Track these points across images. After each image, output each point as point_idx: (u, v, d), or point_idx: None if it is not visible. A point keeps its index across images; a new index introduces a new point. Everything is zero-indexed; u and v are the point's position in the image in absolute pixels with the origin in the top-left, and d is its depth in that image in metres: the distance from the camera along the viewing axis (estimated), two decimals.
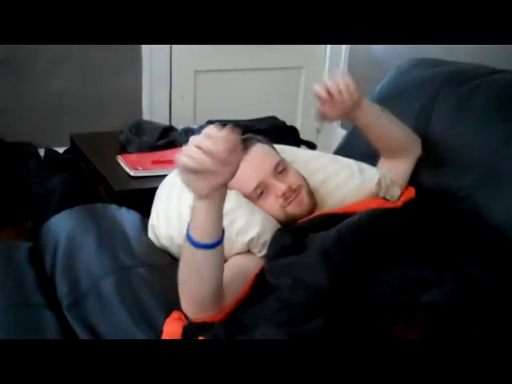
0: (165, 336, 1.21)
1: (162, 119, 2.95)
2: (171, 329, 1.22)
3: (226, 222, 1.36)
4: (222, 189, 1.12)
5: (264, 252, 1.38)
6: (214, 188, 1.10)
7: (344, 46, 3.44)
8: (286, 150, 1.62)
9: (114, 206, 1.71)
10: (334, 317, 1.12)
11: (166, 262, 1.46)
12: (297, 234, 1.33)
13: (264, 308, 1.20)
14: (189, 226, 1.17)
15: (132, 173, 2.13)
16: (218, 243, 1.17)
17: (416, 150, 1.66)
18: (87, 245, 1.50)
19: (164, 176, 1.64)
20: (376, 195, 1.55)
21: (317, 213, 1.46)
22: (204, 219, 1.14)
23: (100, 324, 1.30)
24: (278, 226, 1.43)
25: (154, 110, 3.20)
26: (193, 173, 1.06)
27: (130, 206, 1.72)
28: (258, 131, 1.92)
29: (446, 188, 1.62)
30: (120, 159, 2.23)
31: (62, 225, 1.62)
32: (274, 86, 3.43)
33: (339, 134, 1.71)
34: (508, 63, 1.87)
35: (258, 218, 1.41)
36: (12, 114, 2.90)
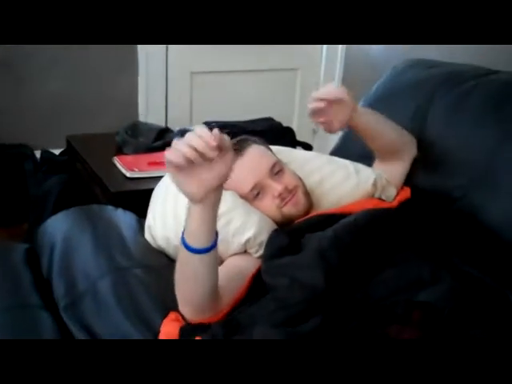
0: (162, 337, 1.21)
1: (158, 121, 2.96)
2: (168, 329, 1.22)
3: (222, 223, 1.37)
4: (216, 192, 1.12)
5: (260, 252, 1.38)
6: (207, 190, 1.10)
7: (340, 47, 3.45)
8: (282, 151, 1.62)
9: (110, 208, 1.71)
10: (330, 317, 1.13)
11: (162, 263, 1.46)
12: (293, 235, 1.33)
13: (261, 308, 1.20)
14: (183, 230, 1.17)
15: (128, 174, 2.13)
16: (212, 247, 1.17)
17: (411, 151, 1.66)
18: (84, 246, 1.50)
19: (160, 177, 1.64)
20: (372, 195, 1.56)
21: (313, 213, 1.46)
22: (198, 224, 1.14)
23: (97, 325, 1.30)
24: (275, 226, 1.44)
25: (150, 112, 3.20)
26: (180, 171, 1.07)
27: (126, 207, 1.72)
28: (254, 132, 1.93)
29: (442, 188, 1.62)
30: (116, 160, 2.23)
31: (58, 226, 1.61)
32: (270, 88, 3.43)
33: (335, 135, 1.71)
34: (504, 64, 1.88)
35: (255, 218, 1.41)
36: (8, 115, 2.89)
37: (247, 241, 1.40)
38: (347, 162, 1.63)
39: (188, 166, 1.06)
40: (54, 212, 1.71)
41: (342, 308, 1.15)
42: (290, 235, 1.33)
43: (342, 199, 1.54)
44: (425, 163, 1.67)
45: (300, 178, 1.50)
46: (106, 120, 2.95)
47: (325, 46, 3.48)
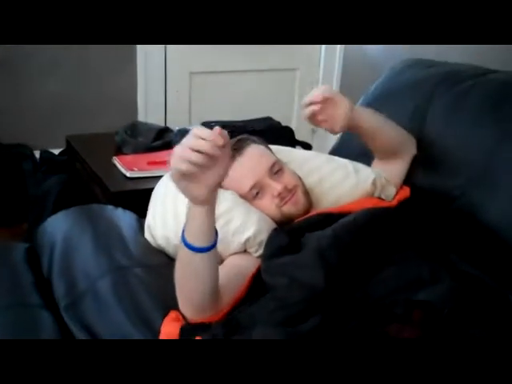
0: (162, 336, 1.21)
1: (157, 120, 2.96)
2: (169, 329, 1.22)
3: (222, 222, 1.37)
4: (216, 190, 1.13)
5: (260, 252, 1.38)
6: (210, 190, 1.10)
7: (338, 47, 3.46)
8: (281, 151, 1.62)
9: (110, 207, 1.71)
10: (329, 316, 1.13)
11: (162, 263, 1.46)
12: (293, 234, 1.34)
13: (260, 308, 1.20)
14: (184, 229, 1.17)
15: (128, 174, 2.14)
16: (213, 246, 1.18)
17: (411, 151, 1.67)
18: (84, 246, 1.50)
19: (160, 177, 1.64)
20: (371, 195, 1.56)
21: (313, 212, 1.46)
22: (200, 223, 1.14)
23: (97, 325, 1.30)
24: (274, 225, 1.44)
25: (149, 112, 3.20)
26: (187, 177, 1.07)
27: (126, 207, 1.72)
28: (253, 132, 1.93)
29: (441, 187, 1.63)
30: (116, 160, 2.23)
31: (58, 226, 1.62)
32: (269, 88, 3.43)
33: (343, 131, 1.70)
34: (502, 63, 1.88)
35: (254, 217, 1.42)
36: (7, 115, 2.89)
37: (247, 240, 1.40)
38: (346, 161, 1.64)
39: (197, 171, 1.06)
40: (54, 212, 1.71)
41: (341, 307, 1.15)
42: (290, 234, 1.34)
43: (342, 198, 1.54)
44: (424, 162, 1.67)
45: (299, 178, 1.50)
46: (105, 120, 2.95)
47: (323, 46, 3.48)
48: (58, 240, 1.54)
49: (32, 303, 1.38)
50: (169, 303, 1.27)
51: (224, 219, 1.39)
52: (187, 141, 1.05)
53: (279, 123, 2.71)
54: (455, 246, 1.33)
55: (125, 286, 1.37)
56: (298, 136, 2.74)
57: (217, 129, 1.05)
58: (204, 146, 1.04)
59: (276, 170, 1.45)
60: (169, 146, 2.36)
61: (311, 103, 1.42)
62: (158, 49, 3.14)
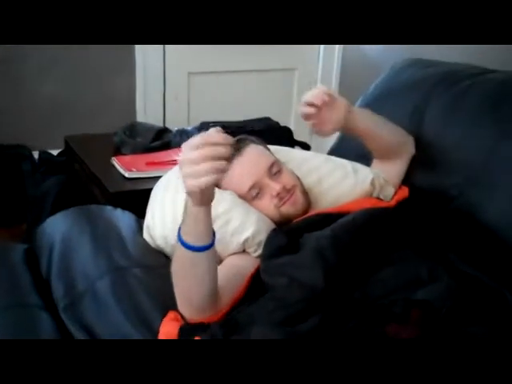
0: (161, 336, 1.21)
1: (155, 121, 2.96)
2: (167, 329, 1.22)
3: (221, 223, 1.38)
4: (214, 189, 1.13)
5: (259, 252, 1.38)
6: (213, 191, 1.10)
7: (337, 47, 3.46)
8: (280, 151, 1.62)
9: (109, 208, 1.71)
10: (329, 316, 1.13)
11: (161, 263, 1.46)
12: (292, 234, 1.34)
13: (259, 308, 1.20)
14: (180, 230, 1.17)
15: (126, 174, 2.13)
16: (211, 245, 1.18)
17: (409, 151, 1.67)
18: (83, 246, 1.50)
19: (158, 177, 1.64)
20: (370, 195, 1.56)
21: (311, 212, 1.46)
22: (201, 223, 1.14)
23: (96, 325, 1.30)
24: (273, 225, 1.44)
25: (147, 112, 3.20)
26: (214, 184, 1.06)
27: (124, 208, 1.72)
28: (251, 132, 1.93)
29: (439, 187, 1.63)
30: (114, 161, 2.23)
31: (57, 226, 1.61)
32: (268, 88, 3.44)
33: (333, 134, 1.71)
34: (500, 63, 1.88)
35: (253, 218, 1.42)
36: (6, 116, 2.89)
37: (246, 240, 1.40)
38: (345, 161, 1.64)
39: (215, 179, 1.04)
40: (53, 213, 1.71)
41: (340, 307, 1.15)
42: (289, 235, 1.34)
43: (340, 198, 1.54)
44: (422, 162, 1.67)
45: (298, 178, 1.51)
46: (104, 120, 2.95)
47: (322, 46, 3.48)
48: (56, 241, 1.54)
49: (31, 304, 1.38)
50: (168, 303, 1.27)
51: (223, 219, 1.39)
52: (207, 151, 1.02)
53: (278, 123, 2.71)
54: (454, 246, 1.33)
55: (124, 286, 1.36)
56: (297, 136, 2.73)
57: (219, 130, 1.05)
58: (226, 152, 1.03)
59: (275, 170, 1.45)
60: (168, 146, 2.36)
61: (310, 104, 1.42)
62: (156, 49, 3.14)
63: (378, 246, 1.26)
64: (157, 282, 1.37)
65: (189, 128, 2.47)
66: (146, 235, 1.55)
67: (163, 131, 2.51)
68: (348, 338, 1.07)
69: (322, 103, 1.41)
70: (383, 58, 3.06)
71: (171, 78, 3.23)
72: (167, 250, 1.50)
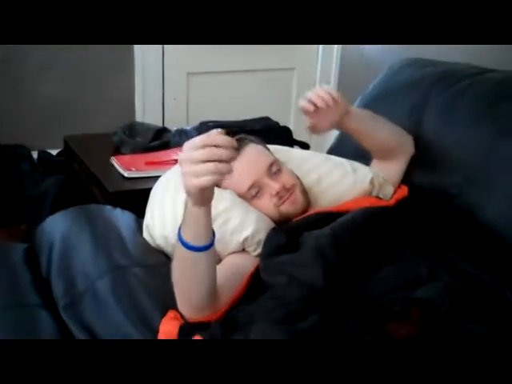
0: (161, 336, 1.21)
1: (154, 121, 2.96)
2: (167, 328, 1.23)
3: (220, 222, 1.38)
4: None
5: (259, 251, 1.39)
6: (213, 191, 1.10)
7: (336, 46, 3.46)
8: (279, 151, 1.62)
9: (108, 207, 1.71)
10: (328, 314, 1.13)
11: (161, 262, 1.46)
12: (291, 233, 1.34)
13: (259, 306, 1.20)
14: (180, 230, 1.17)
15: (126, 174, 2.14)
16: (211, 245, 1.18)
17: (408, 150, 1.67)
18: (82, 245, 1.50)
19: (158, 177, 1.65)
20: (369, 194, 1.57)
21: (311, 211, 1.46)
22: (200, 223, 1.14)
23: (96, 324, 1.30)
24: (273, 224, 1.44)
25: (146, 112, 3.20)
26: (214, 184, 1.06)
27: (124, 207, 1.72)
28: (251, 132, 1.93)
29: (439, 186, 1.63)
30: (114, 160, 2.23)
31: (56, 226, 1.62)
32: (267, 87, 3.44)
33: (332, 133, 1.72)
34: (499, 63, 1.88)
35: (253, 217, 1.42)
36: (5, 116, 2.89)
37: (245, 239, 1.40)
38: (344, 160, 1.64)
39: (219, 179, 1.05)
40: (52, 212, 1.71)
41: (340, 306, 1.15)
42: (288, 233, 1.34)
43: (340, 197, 1.54)
44: (421, 162, 1.68)
45: (297, 177, 1.51)
46: (103, 120, 2.95)
47: (321, 46, 3.49)
48: (56, 240, 1.54)
49: (31, 303, 1.38)
50: (167, 303, 1.27)
51: (222, 218, 1.39)
52: (208, 152, 1.03)
53: (277, 123, 2.71)
54: (453, 245, 1.34)
55: (124, 285, 1.37)
56: (296, 136, 2.73)
57: (221, 131, 1.05)
58: (227, 154, 1.03)
59: (274, 169, 1.46)
60: (167, 146, 2.36)
61: (312, 102, 1.43)
62: (155, 49, 3.15)
63: (377, 244, 1.27)
64: (157, 282, 1.37)
65: (188, 128, 2.47)
66: (145, 234, 1.56)
67: (162, 131, 2.52)
68: (348, 336, 1.07)
69: (323, 106, 1.42)
70: (382, 57, 3.06)
71: (170, 77, 3.24)
72: (167, 249, 1.50)
